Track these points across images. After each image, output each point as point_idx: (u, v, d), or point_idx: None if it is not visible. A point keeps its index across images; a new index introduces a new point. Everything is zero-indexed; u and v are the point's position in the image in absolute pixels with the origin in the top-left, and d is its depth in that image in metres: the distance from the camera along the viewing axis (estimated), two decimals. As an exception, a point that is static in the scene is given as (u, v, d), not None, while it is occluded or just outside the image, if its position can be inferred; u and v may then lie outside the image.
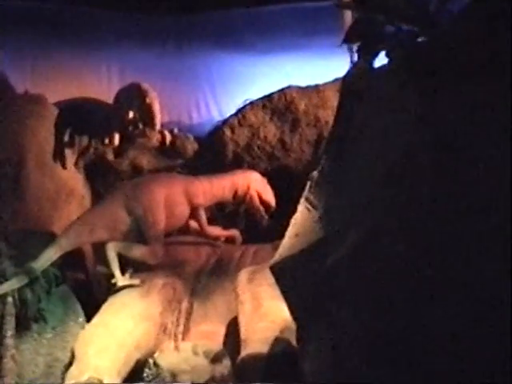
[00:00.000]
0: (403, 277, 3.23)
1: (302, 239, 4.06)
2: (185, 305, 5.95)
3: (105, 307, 5.93)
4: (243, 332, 5.10)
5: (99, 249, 6.56)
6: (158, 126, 7.15)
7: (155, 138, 7.42)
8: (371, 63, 3.27)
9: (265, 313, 5.09)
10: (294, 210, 7.08)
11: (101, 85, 7.98)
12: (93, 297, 6.93)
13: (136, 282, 6.02)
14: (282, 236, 6.85)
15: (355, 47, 3.42)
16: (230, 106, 7.83)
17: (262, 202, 6.69)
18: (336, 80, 7.33)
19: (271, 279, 5.50)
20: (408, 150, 3.05)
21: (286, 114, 7.30)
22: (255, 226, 7.06)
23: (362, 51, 3.28)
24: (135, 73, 7.87)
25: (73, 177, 7.41)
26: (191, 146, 7.51)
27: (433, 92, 2.88)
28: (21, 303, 5.60)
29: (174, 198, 6.27)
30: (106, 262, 6.28)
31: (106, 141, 7.55)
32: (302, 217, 4.27)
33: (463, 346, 3.00)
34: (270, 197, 6.72)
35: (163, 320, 5.82)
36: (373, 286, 3.31)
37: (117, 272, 6.01)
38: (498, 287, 2.89)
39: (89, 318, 6.21)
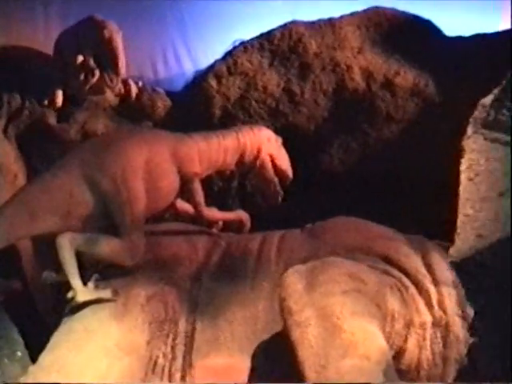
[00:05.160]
0: None
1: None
2: (183, 326, 3.43)
3: (58, 337, 3.35)
4: (311, 376, 2.61)
5: (45, 244, 3.96)
6: (123, 71, 4.54)
7: (115, 91, 4.78)
8: None
9: (349, 341, 2.62)
10: (308, 182, 4.64)
11: (36, 31, 5.30)
12: (35, 318, 4.32)
13: (106, 294, 3.45)
14: (300, 219, 4.46)
15: None
16: (207, 56, 5.29)
17: (277, 171, 4.17)
18: (355, 13, 4.91)
19: (346, 283, 3.04)
20: None
21: (291, 58, 4.83)
22: (254, 207, 4.55)
23: None
24: (81, 15, 5.21)
25: (1, 148, 4.72)
26: (162, 103, 4.93)
27: None
28: None
29: (159, 164, 3.68)
30: (56, 265, 3.66)
31: (45, 101, 4.89)
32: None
33: None
34: (286, 164, 4.21)
35: (152, 352, 3.33)
36: None
37: (75, 280, 3.42)
38: None
39: (32, 352, 3.64)
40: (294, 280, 2.93)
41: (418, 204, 4.57)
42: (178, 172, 3.77)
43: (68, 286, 3.94)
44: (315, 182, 4.69)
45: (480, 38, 4.83)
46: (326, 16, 4.90)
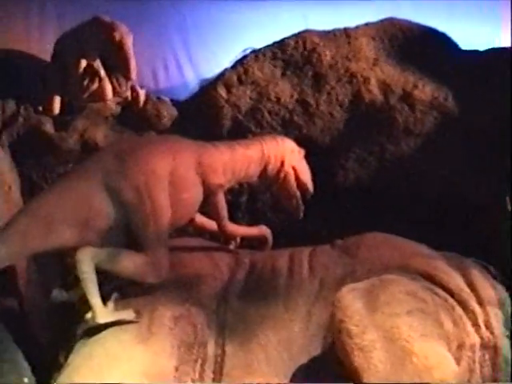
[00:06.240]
0: None
1: None
2: (212, 350, 3.12)
3: (76, 361, 3.02)
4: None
5: (57, 259, 3.66)
6: (133, 75, 4.22)
7: (123, 96, 4.46)
8: None
9: (423, 366, 2.39)
10: (322, 197, 4.38)
11: (30, 34, 4.95)
12: (31, 339, 3.95)
13: (128, 315, 3.12)
14: (313, 234, 4.21)
15: None
16: (210, 64, 5.03)
17: (299, 184, 3.91)
18: (369, 24, 4.71)
19: (409, 303, 2.78)
20: None
21: (304, 68, 4.58)
22: (264, 223, 4.26)
23: None
24: (78, 18, 4.89)
25: (-5, 157, 4.37)
26: (168, 113, 4.61)
27: None
28: None
29: (183, 174, 3.37)
30: (71, 282, 3.35)
31: (41, 107, 4.55)
32: None
33: None
34: (307, 177, 3.96)
35: (180, 378, 3.00)
36: None
37: (95, 299, 3.09)
38: None
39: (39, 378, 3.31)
40: (352, 300, 2.67)
41: (437, 219, 4.37)
42: (202, 183, 3.49)
43: (71, 305, 3.66)
44: (329, 196, 4.45)
45: (496, 52, 4.69)
46: (336, 26, 4.70)
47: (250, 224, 4.38)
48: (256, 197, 4.62)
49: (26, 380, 3.27)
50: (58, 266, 4.03)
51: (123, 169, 3.24)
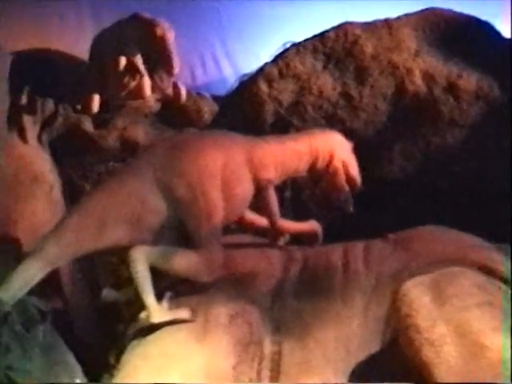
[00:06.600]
0: None
1: None
2: (268, 348, 3.05)
3: (133, 362, 2.97)
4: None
5: (101, 258, 3.61)
6: (176, 71, 4.16)
7: (166, 93, 4.40)
8: None
9: (497, 360, 2.33)
10: (366, 190, 4.27)
11: (68, 32, 4.93)
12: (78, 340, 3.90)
13: (184, 314, 3.05)
14: (359, 228, 4.11)
15: None
16: (247, 59, 4.96)
17: (348, 178, 3.81)
18: (409, 14, 4.61)
19: (477, 295, 2.70)
20: None
21: (346, 60, 4.49)
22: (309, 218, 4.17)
23: None
24: (113, 17, 4.83)
25: (37, 156, 4.31)
26: (209, 109, 4.56)
27: None
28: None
29: (234, 169, 3.30)
30: (118, 282, 3.29)
31: (79, 106, 4.49)
32: None
33: None
34: (356, 171, 3.85)
35: (238, 378, 2.93)
36: None
37: (150, 299, 3.02)
38: None
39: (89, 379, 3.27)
40: (419, 293, 2.58)
41: (485, 212, 4.27)
42: (253, 178, 3.42)
43: (116, 305, 3.60)
44: (374, 189, 4.36)
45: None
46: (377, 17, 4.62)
47: (295, 219, 4.33)
48: (300, 192, 4.58)
49: (77, 381, 3.20)
50: (102, 265, 3.99)
51: (175, 165, 3.18)
